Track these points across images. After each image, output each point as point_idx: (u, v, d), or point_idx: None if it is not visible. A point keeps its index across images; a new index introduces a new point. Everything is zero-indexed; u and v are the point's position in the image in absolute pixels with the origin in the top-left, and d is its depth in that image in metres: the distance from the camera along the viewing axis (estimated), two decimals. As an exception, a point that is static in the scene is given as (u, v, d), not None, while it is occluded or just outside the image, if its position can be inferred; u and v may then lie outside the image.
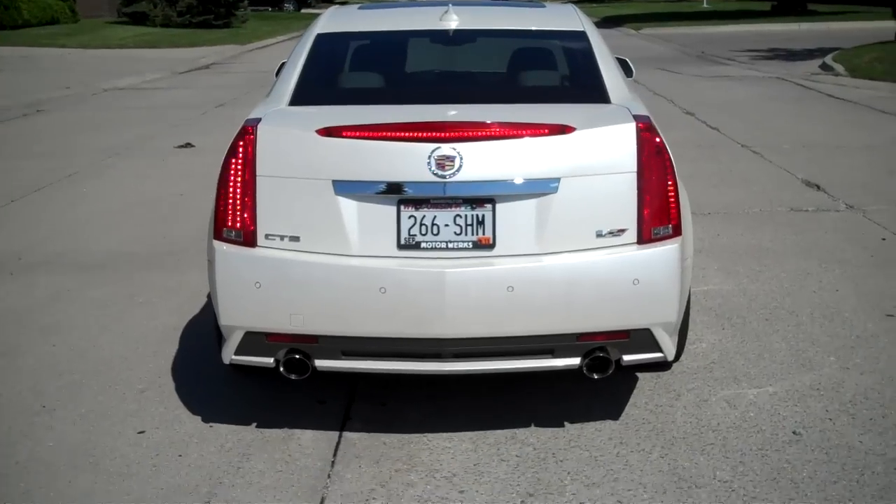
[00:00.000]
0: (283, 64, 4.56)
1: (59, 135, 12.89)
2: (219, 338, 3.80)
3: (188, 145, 11.63)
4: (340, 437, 3.99)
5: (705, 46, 26.94)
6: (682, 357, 4.71)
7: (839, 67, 18.86)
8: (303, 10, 53.32)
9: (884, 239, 7.11)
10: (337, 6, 5.25)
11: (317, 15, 31.44)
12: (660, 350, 3.57)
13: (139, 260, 6.86)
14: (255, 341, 3.51)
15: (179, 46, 28.67)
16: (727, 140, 11.45)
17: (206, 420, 4.14)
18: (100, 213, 8.39)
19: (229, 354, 3.63)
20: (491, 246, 3.47)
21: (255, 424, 4.09)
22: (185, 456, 3.85)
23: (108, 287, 6.24)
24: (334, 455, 3.84)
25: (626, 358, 3.59)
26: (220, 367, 4.17)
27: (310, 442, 3.93)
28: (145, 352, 5.12)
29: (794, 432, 4.08)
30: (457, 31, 4.43)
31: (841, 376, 4.69)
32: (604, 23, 42.03)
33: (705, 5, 52.70)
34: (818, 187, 8.81)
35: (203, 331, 5.31)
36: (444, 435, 3.95)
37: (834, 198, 8.41)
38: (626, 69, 5.73)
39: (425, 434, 3.96)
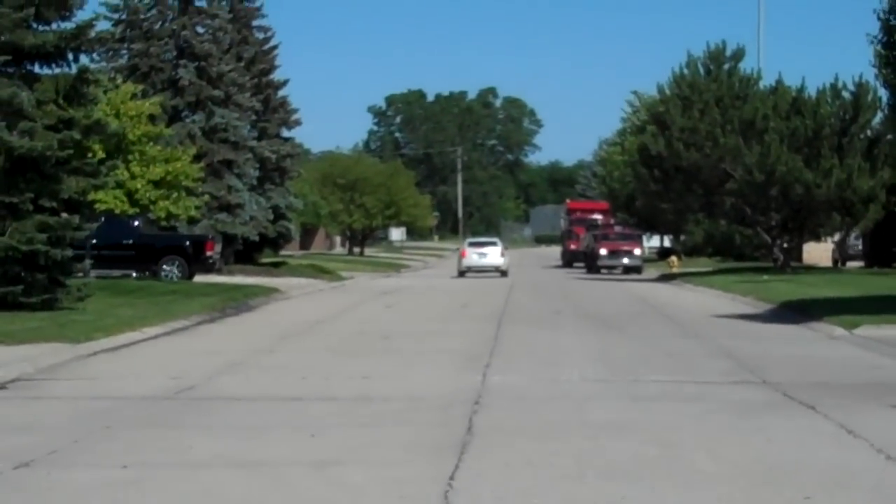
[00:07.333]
0: (459, 247, 74.09)
1: None
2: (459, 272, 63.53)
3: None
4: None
5: None
6: None
7: None
8: (196, 279, 39.86)
9: None
10: (470, 237, 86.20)
11: (225, 283, 41.29)
12: (501, 270, 64.03)
13: None
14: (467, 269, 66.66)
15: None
16: None
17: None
18: None
19: (460, 270, 63.93)
20: (487, 258, 67.08)
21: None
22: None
23: None
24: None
25: (500, 271, 64.88)
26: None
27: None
28: None
29: None
30: (483, 241, 73.48)
31: None
32: (781, 312, 29.93)
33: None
34: None
35: None
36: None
37: None
38: (503, 251, 67.83)
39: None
